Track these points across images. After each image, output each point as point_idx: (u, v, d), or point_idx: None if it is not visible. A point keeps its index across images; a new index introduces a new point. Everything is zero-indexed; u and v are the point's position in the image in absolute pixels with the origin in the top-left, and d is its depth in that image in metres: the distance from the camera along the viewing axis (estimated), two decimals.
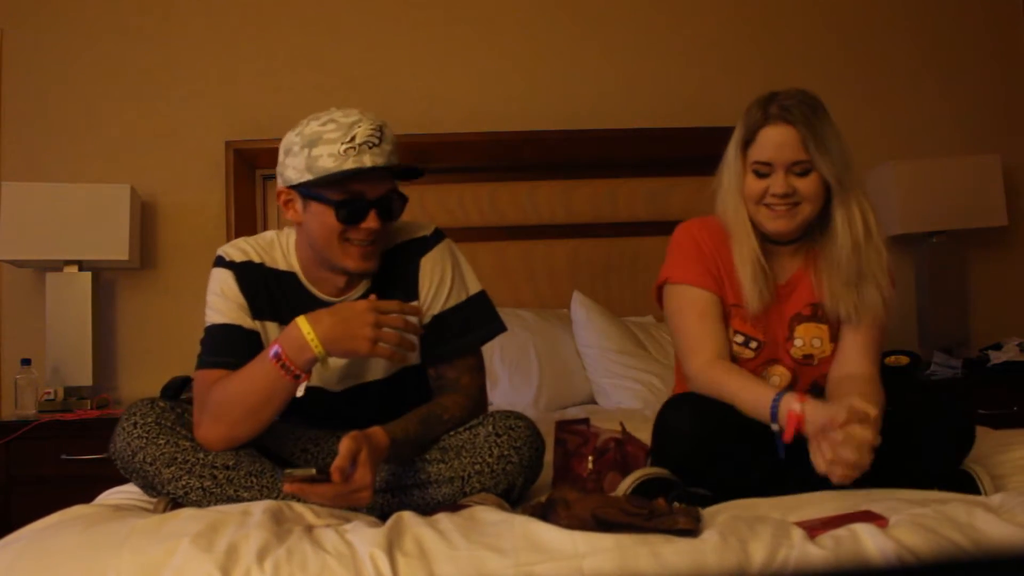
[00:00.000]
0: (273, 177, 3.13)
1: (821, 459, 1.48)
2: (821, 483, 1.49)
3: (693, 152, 3.22)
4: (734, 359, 1.75)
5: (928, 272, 3.24)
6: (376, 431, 1.52)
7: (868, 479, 1.48)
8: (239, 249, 1.73)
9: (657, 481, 1.57)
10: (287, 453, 1.73)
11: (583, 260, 3.25)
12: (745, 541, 1.20)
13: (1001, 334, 3.20)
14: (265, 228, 3.15)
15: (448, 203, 3.20)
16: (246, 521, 1.32)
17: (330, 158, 1.58)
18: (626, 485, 1.56)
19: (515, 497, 1.59)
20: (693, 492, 1.51)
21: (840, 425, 1.46)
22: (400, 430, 1.56)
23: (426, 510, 1.48)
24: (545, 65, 3.35)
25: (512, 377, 2.86)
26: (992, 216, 3.20)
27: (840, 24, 3.46)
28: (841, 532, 1.23)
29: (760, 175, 1.70)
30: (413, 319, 1.60)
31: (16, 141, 3.17)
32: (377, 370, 1.74)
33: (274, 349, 1.53)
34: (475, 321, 1.76)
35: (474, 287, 1.79)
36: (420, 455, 1.62)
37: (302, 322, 1.52)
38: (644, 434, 1.74)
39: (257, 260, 1.72)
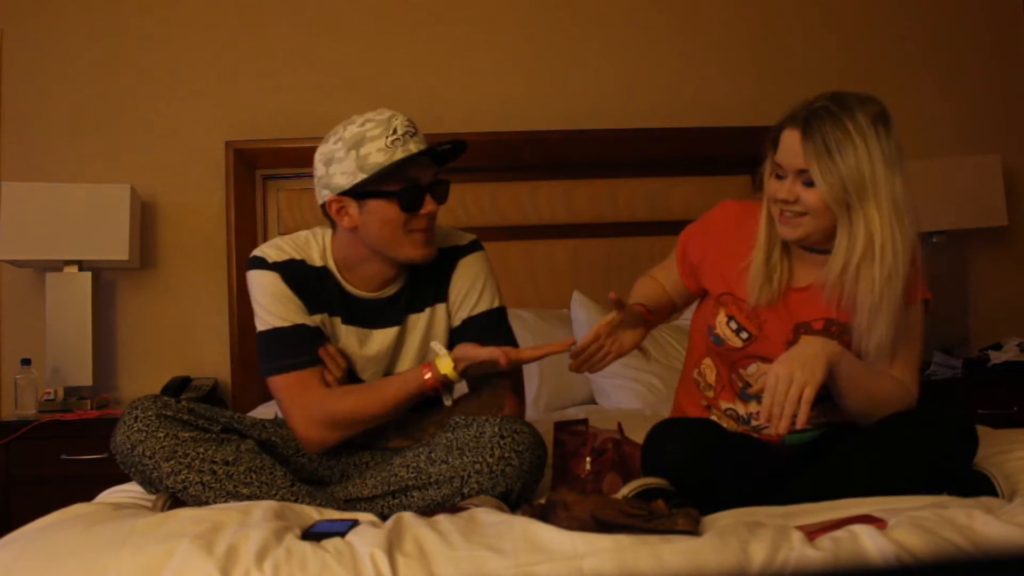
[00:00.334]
0: (273, 177, 3.16)
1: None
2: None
3: (693, 152, 3.24)
4: (725, 343, 1.74)
5: (928, 272, 3.23)
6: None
7: (876, 489, 1.47)
8: (277, 248, 1.76)
9: (656, 491, 1.57)
10: (292, 450, 1.74)
11: (583, 260, 3.26)
12: (745, 542, 1.20)
13: (1001, 334, 3.20)
14: (265, 228, 3.16)
15: (449, 203, 3.16)
16: (246, 521, 1.32)
17: (379, 153, 1.65)
18: (623, 494, 1.56)
19: (513, 501, 1.59)
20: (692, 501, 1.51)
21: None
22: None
23: (426, 512, 1.48)
24: (545, 65, 3.35)
25: None
26: (992, 216, 3.20)
27: (840, 24, 3.46)
28: (840, 534, 1.23)
29: (778, 176, 1.65)
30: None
31: (16, 141, 3.17)
32: (406, 361, 1.80)
33: (431, 383, 1.67)
34: (492, 333, 1.81)
35: (498, 301, 1.86)
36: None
37: (447, 369, 1.66)
38: (643, 434, 1.74)
39: (298, 257, 1.76)
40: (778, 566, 1.16)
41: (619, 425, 1.82)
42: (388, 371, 1.81)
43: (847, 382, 1.58)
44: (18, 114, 3.17)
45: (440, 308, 1.82)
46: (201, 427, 1.60)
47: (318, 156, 1.72)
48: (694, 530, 1.25)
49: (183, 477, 1.55)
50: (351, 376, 1.78)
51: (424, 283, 1.82)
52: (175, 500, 1.56)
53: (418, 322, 1.81)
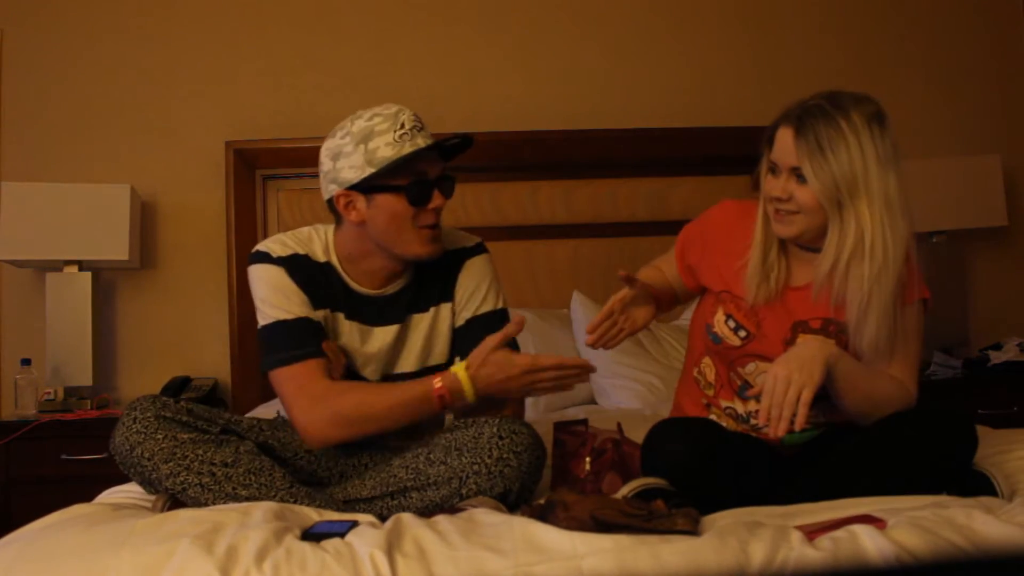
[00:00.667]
0: (274, 177, 3.16)
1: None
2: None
3: (693, 152, 3.25)
4: (723, 341, 1.74)
5: (928, 272, 3.23)
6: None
7: (876, 489, 1.47)
8: (280, 243, 1.76)
9: (655, 491, 1.57)
10: (291, 452, 1.74)
11: (584, 260, 3.26)
12: (744, 542, 1.20)
13: (1001, 334, 3.20)
14: (265, 228, 3.16)
15: (449, 203, 3.19)
16: (246, 522, 1.32)
17: (388, 147, 1.66)
18: (623, 494, 1.56)
19: (511, 502, 1.59)
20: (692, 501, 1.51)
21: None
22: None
23: (424, 513, 1.48)
24: (545, 65, 3.35)
25: None
26: (992, 216, 3.20)
27: (840, 24, 3.46)
28: (840, 534, 1.23)
29: (773, 174, 1.66)
30: (571, 371, 1.66)
31: (16, 141, 3.17)
32: (407, 363, 1.80)
33: (439, 392, 1.63)
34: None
35: (501, 303, 1.86)
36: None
37: (463, 377, 1.63)
38: (643, 434, 1.73)
39: (302, 252, 1.75)
40: (778, 566, 1.16)
41: (619, 425, 1.82)
42: (389, 369, 1.81)
43: (845, 383, 1.58)
44: (18, 114, 3.18)
45: (445, 307, 1.82)
46: (200, 428, 1.60)
47: (324, 151, 1.72)
48: (694, 530, 1.25)
49: (182, 479, 1.55)
50: (351, 373, 1.78)
51: (429, 283, 1.82)
52: (175, 501, 1.56)
53: (421, 321, 1.81)
